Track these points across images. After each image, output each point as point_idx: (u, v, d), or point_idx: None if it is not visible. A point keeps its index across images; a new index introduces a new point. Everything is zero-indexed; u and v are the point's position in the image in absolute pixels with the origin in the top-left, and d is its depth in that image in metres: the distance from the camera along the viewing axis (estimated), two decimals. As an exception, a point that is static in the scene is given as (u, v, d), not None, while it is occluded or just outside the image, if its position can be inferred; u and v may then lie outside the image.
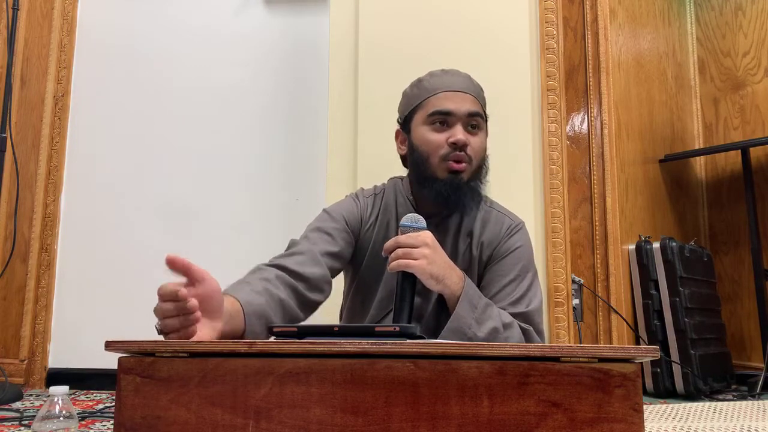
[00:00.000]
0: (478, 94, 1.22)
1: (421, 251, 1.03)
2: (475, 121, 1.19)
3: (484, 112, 1.24)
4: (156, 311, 0.79)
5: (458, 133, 1.16)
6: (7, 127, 2.13)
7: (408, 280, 1.04)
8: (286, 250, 1.17)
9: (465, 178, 1.17)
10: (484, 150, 1.22)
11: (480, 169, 1.21)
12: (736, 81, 2.69)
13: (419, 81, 1.25)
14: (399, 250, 1.04)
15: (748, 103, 2.64)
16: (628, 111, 2.39)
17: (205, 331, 0.83)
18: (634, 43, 2.50)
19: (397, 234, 1.10)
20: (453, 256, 1.21)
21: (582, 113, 2.24)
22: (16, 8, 2.20)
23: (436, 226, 1.22)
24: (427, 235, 1.06)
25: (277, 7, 2.45)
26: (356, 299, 1.28)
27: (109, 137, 2.44)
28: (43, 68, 2.46)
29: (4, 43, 2.40)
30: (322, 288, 1.15)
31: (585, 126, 2.23)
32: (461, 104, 1.18)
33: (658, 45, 2.69)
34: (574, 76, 2.25)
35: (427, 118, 1.19)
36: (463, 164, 1.17)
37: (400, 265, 1.03)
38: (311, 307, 1.13)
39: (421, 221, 1.08)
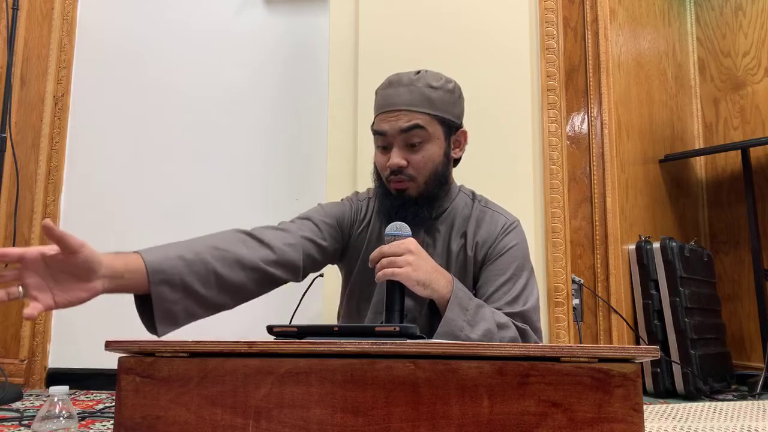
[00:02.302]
0: (421, 101, 1.16)
1: (405, 258, 1.03)
2: (415, 136, 1.15)
3: (439, 116, 1.17)
4: None
5: (393, 156, 1.15)
6: (7, 127, 2.13)
7: (396, 288, 1.04)
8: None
9: (412, 194, 1.17)
10: (432, 162, 1.17)
11: (432, 181, 1.18)
12: (736, 81, 2.69)
13: (376, 92, 1.23)
14: (384, 260, 1.04)
15: (748, 103, 2.64)
16: (628, 111, 2.39)
17: (62, 295, 0.85)
18: (634, 43, 2.50)
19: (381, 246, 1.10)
20: (446, 257, 1.21)
21: (582, 113, 2.24)
22: (16, 8, 2.19)
23: (427, 230, 1.22)
24: (411, 242, 1.06)
25: (277, 8, 2.45)
26: (351, 302, 1.28)
27: (109, 137, 2.44)
28: (43, 68, 2.46)
29: (4, 43, 2.40)
30: (289, 269, 1.14)
31: (585, 126, 2.23)
32: (394, 123, 1.15)
33: (658, 45, 2.69)
34: (574, 76, 2.25)
35: (374, 137, 1.21)
36: (406, 182, 1.16)
37: (386, 274, 1.02)
38: (272, 282, 1.12)
39: (405, 229, 1.08)
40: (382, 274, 1.03)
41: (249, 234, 1.11)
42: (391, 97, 1.18)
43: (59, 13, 2.48)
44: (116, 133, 2.44)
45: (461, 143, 1.25)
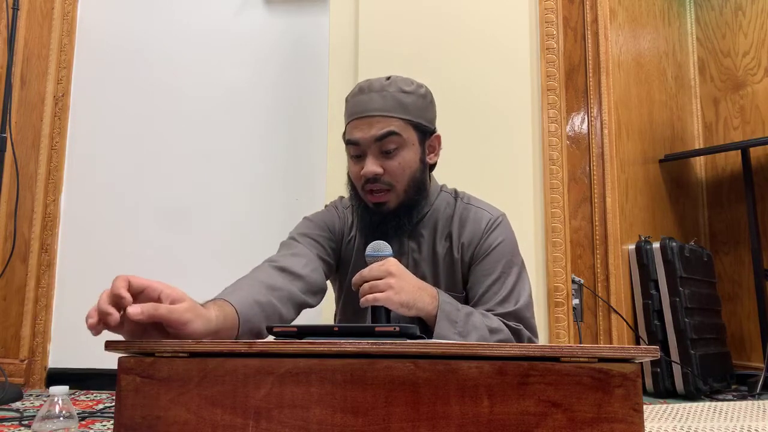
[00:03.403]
0: (394, 107, 1.13)
1: (386, 282, 1.00)
2: (390, 143, 1.12)
3: (412, 121, 1.15)
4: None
5: (367, 164, 1.13)
6: (7, 127, 2.13)
7: (381, 312, 1.02)
8: (279, 251, 1.16)
9: (391, 206, 1.15)
10: (410, 168, 1.15)
11: (410, 188, 1.16)
12: (736, 81, 2.69)
13: (346, 100, 1.21)
14: (365, 285, 1.02)
15: (748, 103, 2.64)
16: (628, 111, 2.39)
17: None
18: (634, 43, 2.50)
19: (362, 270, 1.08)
20: (433, 261, 1.19)
21: (582, 113, 2.24)
22: (16, 8, 2.19)
23: (410, 235, 1.21)
24: (391, 263, 1.03)
25: (277, 8, 2.45)
26: (345, 311, 1.28)
27: (109, 137, 2.44)
28: (43, 68, 2.46)
29: (4, 43, 2.40)
30: (318, 294, 1.14)
31: (585, 126, 2.23)
32: (367, 130, 1.12)
33: (658, 45, 2.69)
34: (574, 76, 2.25)
35: (346, 147, 1.18)
36: (383, 193, 1.14)
37: (368, 300, 1.00)
38: (302, 308, 1.12)
39: (385, 248, 1.06)
40: (364, 300, 1.01)
41: (282, 268, 1.09)
42: (364, 103, 1.15)
43: (59, 13, 2.48)
44: (116, 133, 2.44)
45: (435, 148, 1.23)
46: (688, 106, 2.84)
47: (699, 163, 2.82)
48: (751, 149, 2.44)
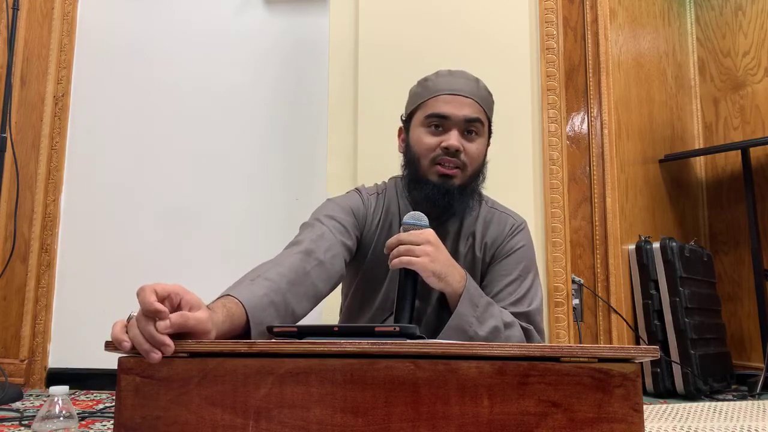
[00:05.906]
0: (482, 98, 1.20)
1: (423, 248, 1.02)
2: (474, 127, 1.17)
3: (488, 118, 1.21)
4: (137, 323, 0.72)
5: (452, 138, 1.14)
6: (7, 127, 2.13)
7: (410, 277, 1.03)
8: (303, 233, 1.14)
9: (457, 183, 1.16)
10: (482, 157, 1.19)
11: (476, 175, 1.19)
12: (736, 81, 2.69)
13: (425, 80, 1.23)
14: (401, 247, 1.03)
15: (748, 103, 2.64)
16: (628, 111, 2.39)
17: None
18: (634, 43, 2.50)
19: (399, 233, 1.09)
20: (454, 258, 1.21)
21: (582, 113, 2.24)
22: (16, 8, 2.19)
23: (435, 229, 1.22)
24: (430, 233, 1.05)
25: (277, 7, 2.45)
26: (355, 300, 1.27)
27: (109, 137, 2.44)
28: (43, 68, 2.46)
29: (4, 43, 2.40)
30: (336, 281, 1.13)
31: (585, 126, 2.23)
32: (459, 108, 1.16)
33: (658, 45, 2.69)
34: (574, 76, 2.25)
35: (425, 119, 1.18)
36: (455, 169, 1.15)
37: (402, 261, 1.02)
38: (319, 301, 1.10)
39: (424, 219, 1.08)
40: (398, 261, 1.02)
41: (309, 251, 1.07)
42: (455, 84, 1.19)
43: (59, 13, 2.48)
44: (116, 133, 2.44)
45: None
46: (688, 106, 2.84)
47: (699, 163, 2.82)
48: (751, 149, 2.44)
